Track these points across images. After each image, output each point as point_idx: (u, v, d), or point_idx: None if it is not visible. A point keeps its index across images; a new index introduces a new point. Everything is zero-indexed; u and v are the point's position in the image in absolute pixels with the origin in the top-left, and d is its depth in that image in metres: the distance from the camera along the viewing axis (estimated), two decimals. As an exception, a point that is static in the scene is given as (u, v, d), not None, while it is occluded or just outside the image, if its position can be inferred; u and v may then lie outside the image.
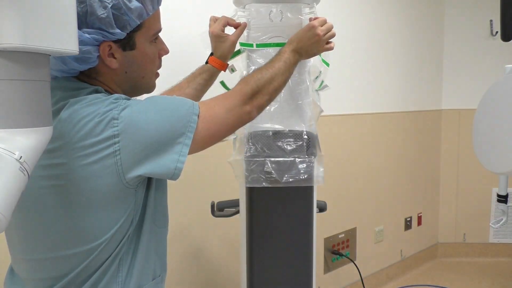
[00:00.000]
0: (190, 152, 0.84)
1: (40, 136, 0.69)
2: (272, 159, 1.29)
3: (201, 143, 0.86)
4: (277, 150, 1.30)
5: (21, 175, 0.65)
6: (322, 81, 1.38)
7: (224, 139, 0.98)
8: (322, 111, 1.38)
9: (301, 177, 1.29)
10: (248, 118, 0.95)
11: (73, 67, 0.83)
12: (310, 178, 1.30)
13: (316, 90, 1.39)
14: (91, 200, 0.79)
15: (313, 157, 1.31)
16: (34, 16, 0.64)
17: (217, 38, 1.24)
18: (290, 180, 1.29)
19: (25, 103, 0.67)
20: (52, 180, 0.78)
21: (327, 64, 1.35)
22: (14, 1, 0.62)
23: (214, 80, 1.29)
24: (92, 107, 0.78)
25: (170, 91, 1.23)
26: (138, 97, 0.92)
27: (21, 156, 0.65)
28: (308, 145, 1.31)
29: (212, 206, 1.60)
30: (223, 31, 1.25)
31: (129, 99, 0.83)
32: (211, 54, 1.27)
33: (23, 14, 0.63)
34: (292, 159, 1.29)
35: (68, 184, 0.78)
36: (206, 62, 1.27)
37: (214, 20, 1.27)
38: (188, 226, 1.86)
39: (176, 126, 0.82)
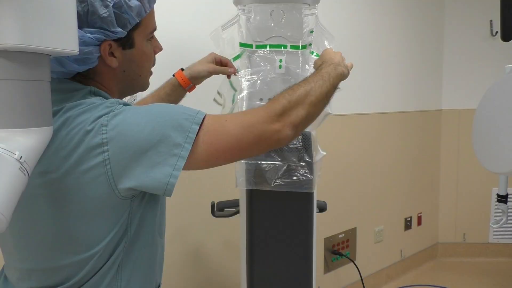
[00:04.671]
0: (188, 168, 0.77)
1: (40, 136, 0.69)
2: (263, 162, 1.28)
3: (202, 159, 0.78)
4: (269, 154, 1.29)
5: (21, 175, 0.65)
6: None
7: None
8: (328, 113, 1.36)
9: (291, 183, 1.27)
10: (277, 137, 0.83)
11: (72, 68, 0.81)
12: (300, 184, 1.28)
13: None
14: (83, 209, 0.77)
15: (304, 163, 1.28)
16: (34, 16, 0.64)
17: (203, 60, 1.26)
18: (280, 184, 1.27)
19: (25, 103, 0.67)
20: (44, 188, 0.76)
21: None
22: (14, 1, 0.62)
23: (178, 97, 1.24)
24: (86, 114, 0.75)
25: (143, 102, 1.21)
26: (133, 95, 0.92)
27: (21, 156, 0.65)
28: (304, 148, 1.30)
29: (212, 206, 1.60)
30: (213, 62, 1.26)
31: (126, 105, 0.79)
32: (182, 69, 1.25)
33: (23, 14, 0.63)
34: (283, 163, 1.28)
35: (60, 192, 0.76)
36: (173, 75, 1.25)
37: (213, 57, 1.28)
38: (188, 226, 1.86)
39: (171, 136, 0.75)
